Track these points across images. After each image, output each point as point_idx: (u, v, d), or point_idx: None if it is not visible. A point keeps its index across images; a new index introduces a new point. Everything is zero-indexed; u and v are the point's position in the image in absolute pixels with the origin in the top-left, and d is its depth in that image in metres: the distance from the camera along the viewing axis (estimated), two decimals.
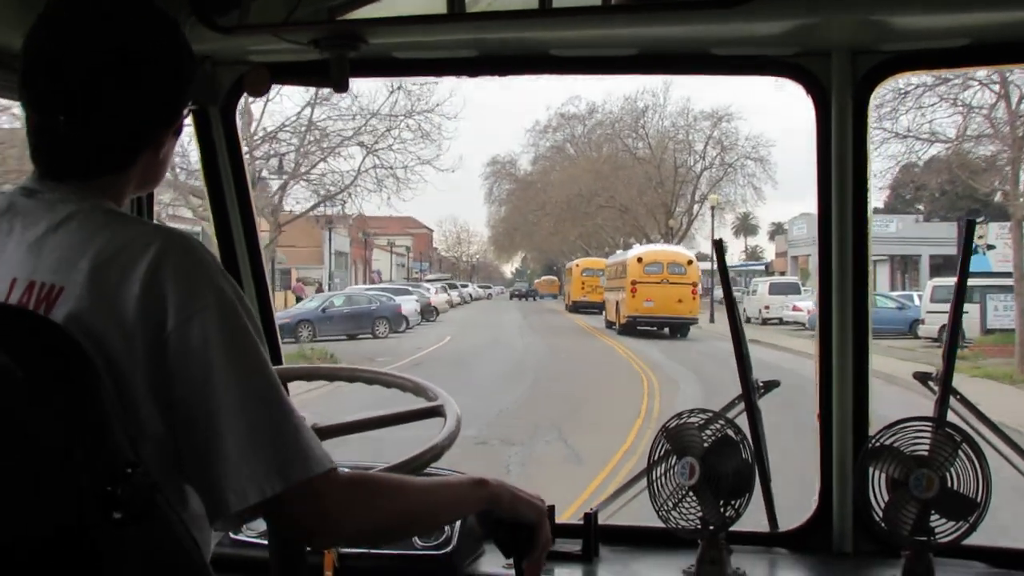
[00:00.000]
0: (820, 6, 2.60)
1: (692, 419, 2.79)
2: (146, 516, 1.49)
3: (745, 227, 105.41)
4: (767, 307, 46.19)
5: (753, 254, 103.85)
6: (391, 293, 43.92)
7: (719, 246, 3.13)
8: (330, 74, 2.78)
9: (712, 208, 55.57)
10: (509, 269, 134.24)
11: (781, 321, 43.34)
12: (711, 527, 2.71)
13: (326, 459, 1.65)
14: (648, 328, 38.46)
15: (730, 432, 2.73)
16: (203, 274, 1.61)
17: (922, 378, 2.91)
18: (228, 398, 1.56)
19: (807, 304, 38.35)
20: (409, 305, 42.30)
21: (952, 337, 2.85)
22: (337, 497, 1.67)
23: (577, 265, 63.34)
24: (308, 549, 2.56)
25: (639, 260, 40.07)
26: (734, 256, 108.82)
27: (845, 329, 2.87)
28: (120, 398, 1.54)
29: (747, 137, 71.35)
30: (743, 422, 2.91)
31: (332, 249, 64.40)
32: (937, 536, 2.58)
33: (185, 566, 1.61)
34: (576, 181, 70.39)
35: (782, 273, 64.11)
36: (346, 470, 1.71)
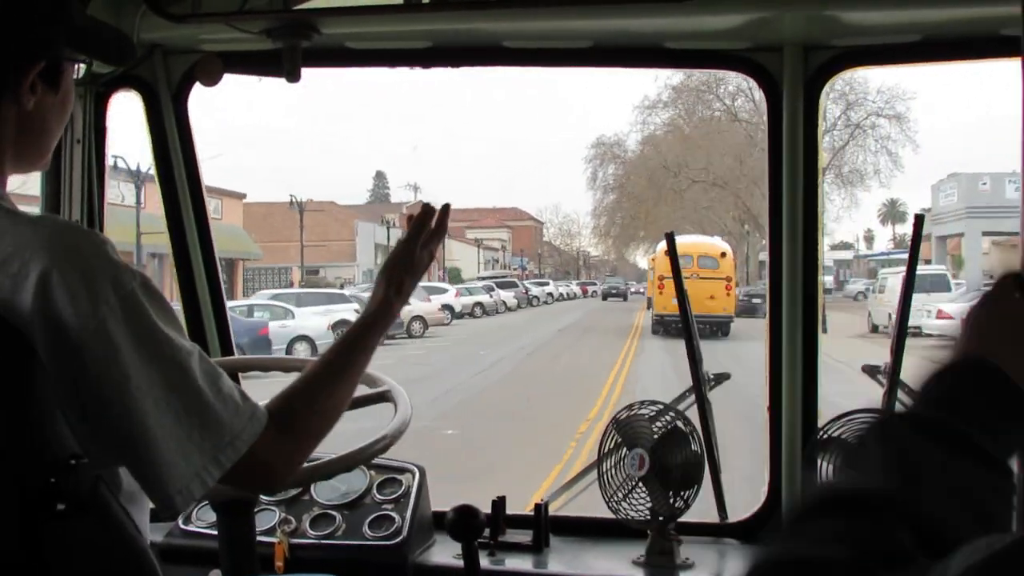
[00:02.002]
0: (772, 0, 2.62)
1: (643, 411, 2.80)
2: (90, 507, 1.49)
3: (893, 214, 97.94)
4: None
5: (902, 242, 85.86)
6: (325, 299, 32.31)
7: (670, 238, 3.14)
8: (282, 64, 2.77)
9: (821, 170, 46.18)
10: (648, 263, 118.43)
11: (920, 332, 23.70)
12: (660, 518, 2.73)
13: (254, 425, 1.63)
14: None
15: (679, 424, 2.75)
16: (99, 273, 1.53)
17: (871, 371, 2.94)
18: (150, 400, 1.53)
19: (958, 308, 22.47)
20: (313, 321, 28.79)
21: (901, 329, 2.87)
22: (275, 453, 1.67)
23: (653, 259, 52.58)
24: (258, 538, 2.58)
25: (666, 253, 35.25)
26: (880, 244, 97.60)
27: (795, 322, 2.89)
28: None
29: (879, 89, 55.63)
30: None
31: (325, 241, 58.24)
32: None
33: (128, 555, 1.60)
34: (659, 150, 58.80)
35: (926, 261, 44.58)
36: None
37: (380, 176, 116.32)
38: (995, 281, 1.13)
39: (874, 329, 32.79)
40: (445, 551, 2.83)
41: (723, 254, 36.02)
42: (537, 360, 26.74)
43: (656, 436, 2.75)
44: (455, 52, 2.97)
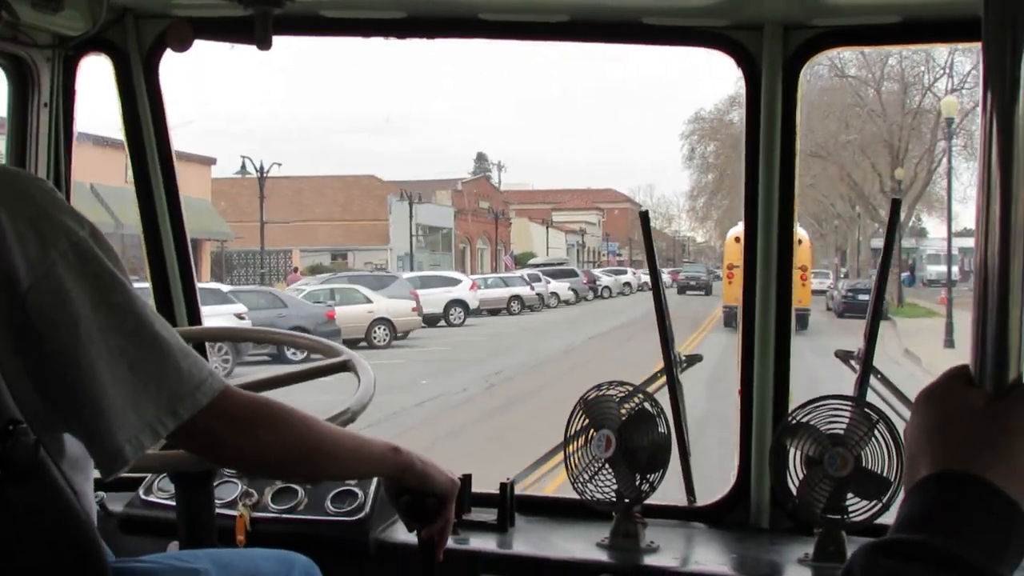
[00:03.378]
0: None
1: (611, 392, 2.77)
2: (29, 474, 1.46)
3: None
4: None
5: None
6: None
7: (645, 218, 3.10)
8: (254, 31, 2.73)
9: (948, 121, 34.47)
10: None
11: None
12: (626, 500, 2.70)
13: (215, 381, 1.61)
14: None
15: (647, 406, 2.72)
16: (50, 219, 1.52)
17: (844, 356, 2.91)
18: (103, 347, 1.51)
19: None
20: None
21: (874, 316, 2.84)
22: (233, 418, 1.64)
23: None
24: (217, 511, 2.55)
25: (736, 240, 31.42)
26: None
27: (768, 305, 2.86)
28: None
29: None
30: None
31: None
32: (850, 515, 2.58)
33: (69, 524, 1.57)
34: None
35: None
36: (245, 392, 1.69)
37: (481, 157, 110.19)
38: (944, 374, 1.09)
39: None
40: None
41: (799, 241, 31.70)
42: (495, 397, 18.17)
43: (624, 417, 2.71)
44: (430, 23, 2.92)
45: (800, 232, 32.26)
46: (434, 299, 34.24)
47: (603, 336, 29.08)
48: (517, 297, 42.44)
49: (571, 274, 52.36)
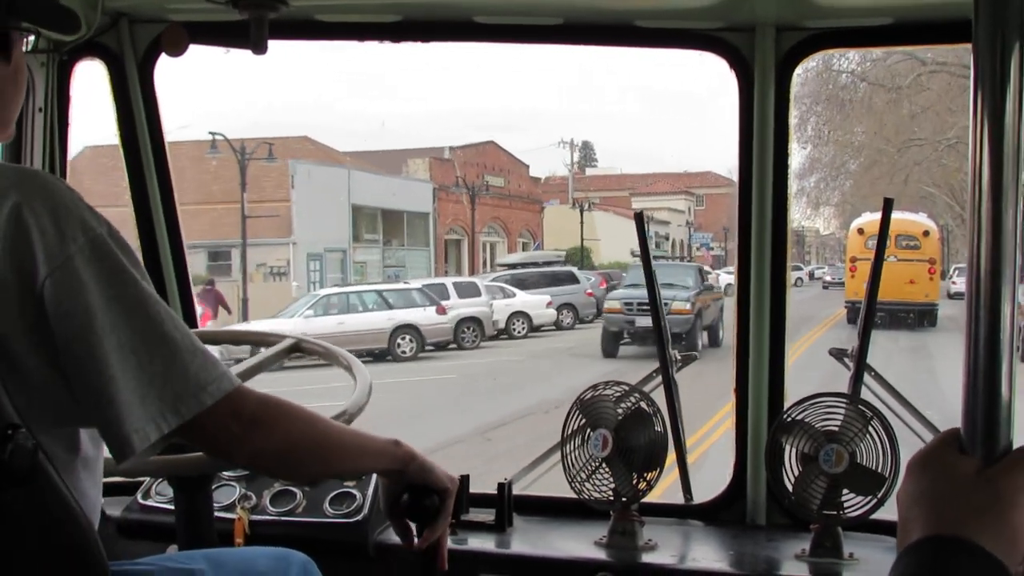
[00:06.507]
0: None
1: (607, 391, 2.79)
2: (28, 478, 1.47)
3: None
4: None
5: None
6: None
7: (640, 218, 3.12)
8: (249, 35, 2.73)
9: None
10: None
11: None
12: (623, 498, 2.72)
13: (225, 382, 1.62)
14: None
15: (644, 405, 2.74)
16: (69, 214, 1.55)
17: (838, 354, 2.93)
18: (113, 340, 1.53)
19: None
20: None
21: (868, 314, 2.87)
22: (242, 417, 1.66)
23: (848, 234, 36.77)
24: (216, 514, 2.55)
25: (860, 232, 30.74)
26: None
27: (762, 304, 2.88)
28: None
29: None
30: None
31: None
32: (846, 510, 2.60)
33: (68, 526, 1.58)
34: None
35: None
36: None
37: (587, 146, 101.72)
38: (937, 439, 1.12)
39: None
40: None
41: (926, 232, 30.54)
42: None
43: (620, 417, 2.73)
44: (425, 26, 2.94)
45: (926, 223, 30.41)
46: None
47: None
48: (408, 328, 25.80)
49: (564, 279, 34.00)
